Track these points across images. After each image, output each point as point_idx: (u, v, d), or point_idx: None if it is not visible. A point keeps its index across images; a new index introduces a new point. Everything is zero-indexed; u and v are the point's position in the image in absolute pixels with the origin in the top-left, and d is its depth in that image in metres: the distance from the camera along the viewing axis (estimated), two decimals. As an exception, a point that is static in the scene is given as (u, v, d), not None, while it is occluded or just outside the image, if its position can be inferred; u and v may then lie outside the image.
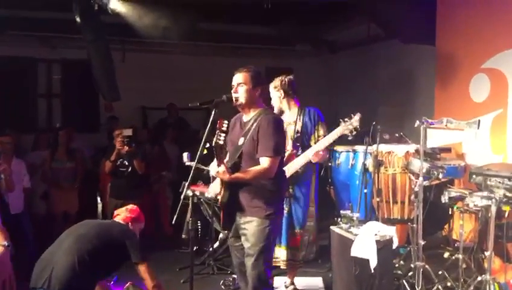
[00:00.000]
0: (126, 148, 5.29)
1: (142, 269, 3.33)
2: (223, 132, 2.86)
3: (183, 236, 4.85)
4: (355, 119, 3.96)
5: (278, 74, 4.20)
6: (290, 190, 3.94)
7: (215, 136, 2.84)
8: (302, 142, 4.02)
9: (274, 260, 3.98)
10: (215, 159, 2.96)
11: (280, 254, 4.03)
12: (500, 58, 5.21)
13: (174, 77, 8.29)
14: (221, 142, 2.86)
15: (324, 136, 4.05)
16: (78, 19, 5.24)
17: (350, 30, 8.32)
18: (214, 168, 3.01)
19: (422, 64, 6.84)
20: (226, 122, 2.89)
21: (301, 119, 4.05)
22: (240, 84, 3.15)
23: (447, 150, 5.34)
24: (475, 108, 5.43)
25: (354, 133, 4.02)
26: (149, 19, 5.80)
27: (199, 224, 5.27)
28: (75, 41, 6.74)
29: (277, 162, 3.04)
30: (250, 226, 3.07)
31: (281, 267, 4.08)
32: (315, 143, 4.03)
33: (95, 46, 5.51)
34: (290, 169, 3.92)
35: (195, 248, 5.18)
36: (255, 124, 3.09)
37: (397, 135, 4.91)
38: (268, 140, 3.01)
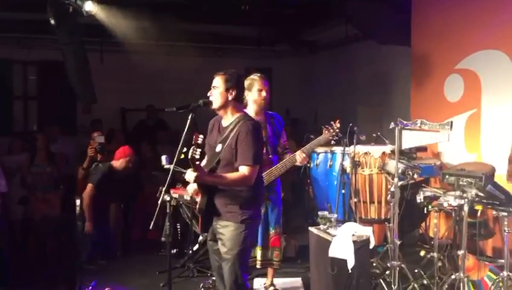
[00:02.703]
0: (99, 156, 5.25)
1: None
2: (198, 146, 2.86)
3: (163, 239, 4.84)
4: (337, 126, 4.12)
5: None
6: (266, 193, 3.97)
7: (191, 150, 2.85)
8: (273, 147, 4.06)
9: (250, 259, 4.04)
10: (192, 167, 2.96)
11: (256, 253, 4.07)
12: (474, 58, 5.33)
13: (154, 78, 8.25)
14: (197, 156, 2.86)
15: (286, 141, 4.16)
16: (52, 21, 5.16)
17: (329, 31, 8.39)
18: (190, 174, 3.00)
19: (399, 65, 6.94)
20: (201, 136, 2.90)
21: (271, 123, 4.09)
22: (214, 87, 3.16)
23: (423, 149, 5.44)
24: (450, 108, 5.54)
25: (336, 138, 4.17)
26: (126, 21, 5.75)
27: (178, 227, 5.27)
28: (51, 43, 6.64)
29: (256, 170, 3.04)
30: (226, 230, 3.08)
31: (257, 266, 4.12)
32: (280, 148, 4.09)
33: (70, 48, 5.43)
34: (271, 174, 3.96)
35: (175, 250, 5.22)
36: (233, 132, 3.07)
37: (375, 135, 4.99)
38: (247, 149, 3.00)
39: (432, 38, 5.82)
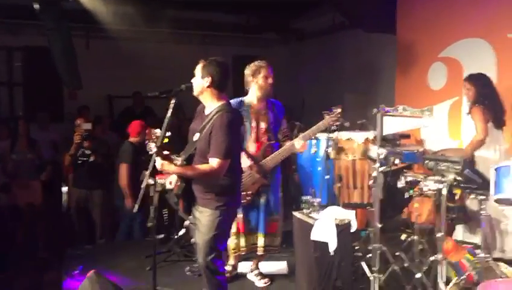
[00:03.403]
0: (86, 143, 5.27)
1: None
2: (153, 141, 2.97)
3: (149, 224, 4.89)
4: (338, 111, 4.13)
5: (246, 62, 4.13)
6: (269, 179, 4.03)
7: (146, 146, 2.98)
8: (274, 133, 4.09)
9: (252, 246, 4.09)
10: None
11: (258, 241, 4.10)
12: (457, 47, 5.42)
13: (141, 65, 8.17)
14: (153, 152, 3.00)
15: (286, 129, 4.19)
16: (36, 6, 5.12)
17: (316, 19, 8.43)
18: (158, 162, 3.06)
19: (385, 53, 7.00)
20: (157, 131, 2.98)
21: (273, 110, 4.12)
22: (194, 76, 3.21)
23: (406, 136, 5.51)
24: (433, 96, 5.64)
25: (338, 123, 4.19)
26: (112, 7, 5.74)
27: (165, 212, 5.32)
28: (37, 28, 6.58)
29: (226, 164, 3.05)
30: (202, 216, 3.13)
31: (258, 253, 4.14)
32: (281, 135, 4.13)
33: (55, 33, 5.41)
34: (273, 159, 4.00)
35: (162, 235, 5.26)
36: (210, 122, 3.09)
37: (359, 122, 5.05)
38: (219, 143, 3.02)
39: (417, 26, 5.90)
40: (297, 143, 4.00)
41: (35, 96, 8.21)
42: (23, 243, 5.50)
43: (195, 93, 3.20)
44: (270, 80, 4.01)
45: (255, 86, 4.01)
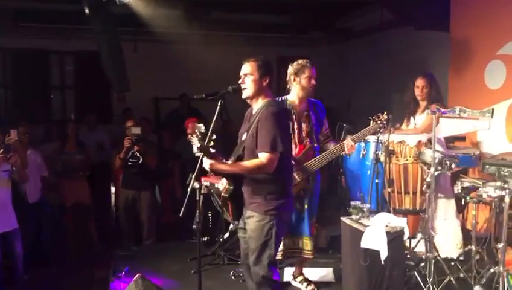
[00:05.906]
0: (136, 147, 5.31)
1: None
2: (196, 136, 2.86)
3: (194, 227, 4.87)
4: (384, 118, 4.00)
5: (292, 63, 4.02)
6: (311, 183, 3.93)
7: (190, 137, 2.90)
8: (316, 135, 3.98)
9: (291, 251, 3.98)
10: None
11: (305, 245, 4.01)
12: (517, 44, 5.07)
13: (187, 67, 8.24)
14: (196, 147, 2.87)
15: (328, 130, 4.07)
16: (86, 11, 5.24)
17: (364, 17, 8.18)
18: (206, 162, 2.97)
19: (437, 51, 6.70)
20: (201, 125, 2.88)
21: (314, 111, 4.00)
22: (246, 75, 3.08)
23: (461, 138, 5.24)
24: (490, 95, 5.30)
25: (383, 129, 4.06)
26: (159, 10, 5.79)
27: (210, 215, 5.29)
28: (88, 33, 6.75)
29: (275, 157, 2.94)
30: (251, 221, 3.04)
31: (307, 256, 4.04)
32: (322, 137, 4.02)
33: (104, 37, 5.51)
34: (319, 162, 3.89)
35: (206, 238, 5.24)
36: (256, 118, 3.02)
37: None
38: (265, 135, 2.93)
39: (473, 22, 5.57)
40: (346, 145, 3.87)
41: (85, 99, 8.46)
42: (71, 241, 5.63)
43: (249, 93, 3.08)
44: (313, 81, 3.89)
45: (297, 85, 3.89)
